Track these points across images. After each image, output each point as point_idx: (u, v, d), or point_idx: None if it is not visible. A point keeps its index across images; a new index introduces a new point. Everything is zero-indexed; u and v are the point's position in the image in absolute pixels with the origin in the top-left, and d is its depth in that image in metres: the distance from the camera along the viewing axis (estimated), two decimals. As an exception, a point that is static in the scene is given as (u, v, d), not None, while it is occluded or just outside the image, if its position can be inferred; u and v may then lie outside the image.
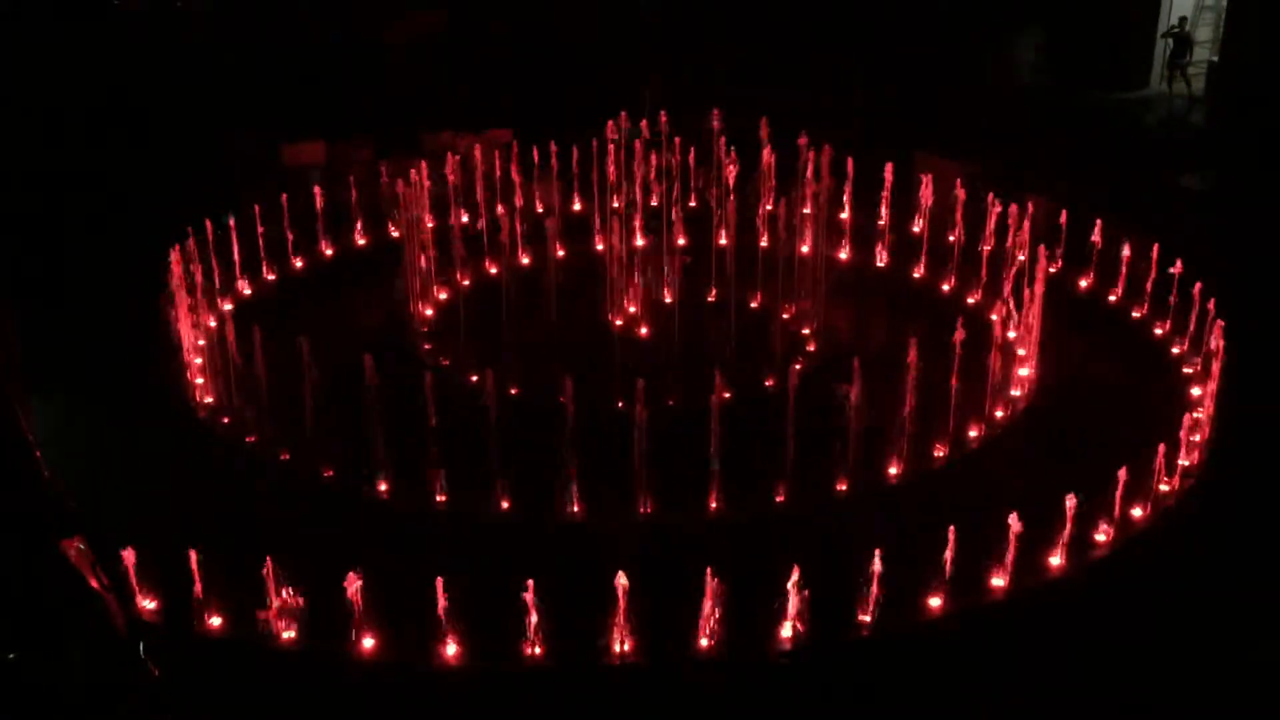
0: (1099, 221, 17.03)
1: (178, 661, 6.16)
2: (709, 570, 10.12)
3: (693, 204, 18.80)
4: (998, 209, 17.17)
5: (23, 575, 5.23)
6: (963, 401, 13.48)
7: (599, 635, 10.24)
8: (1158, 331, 16.17)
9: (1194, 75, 28.15)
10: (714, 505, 12.28)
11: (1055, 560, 11.35)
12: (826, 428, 12.45)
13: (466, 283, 17.46)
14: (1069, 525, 11.23)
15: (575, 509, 12.20)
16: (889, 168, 18.17)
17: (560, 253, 17.19)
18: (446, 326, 16.57)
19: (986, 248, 17.21)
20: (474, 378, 14.27)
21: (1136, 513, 12.03)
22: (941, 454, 13.38)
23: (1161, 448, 12.24)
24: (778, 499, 12.44)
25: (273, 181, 19.87)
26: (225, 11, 25.01)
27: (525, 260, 18.19)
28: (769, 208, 17.17)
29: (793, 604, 10.31)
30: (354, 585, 10.06)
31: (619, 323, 16.29)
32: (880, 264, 18.30)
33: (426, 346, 16.25)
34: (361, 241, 19.22)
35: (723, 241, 16.91)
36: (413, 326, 16.66)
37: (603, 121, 16.83)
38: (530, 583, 10.01)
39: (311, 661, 10.50)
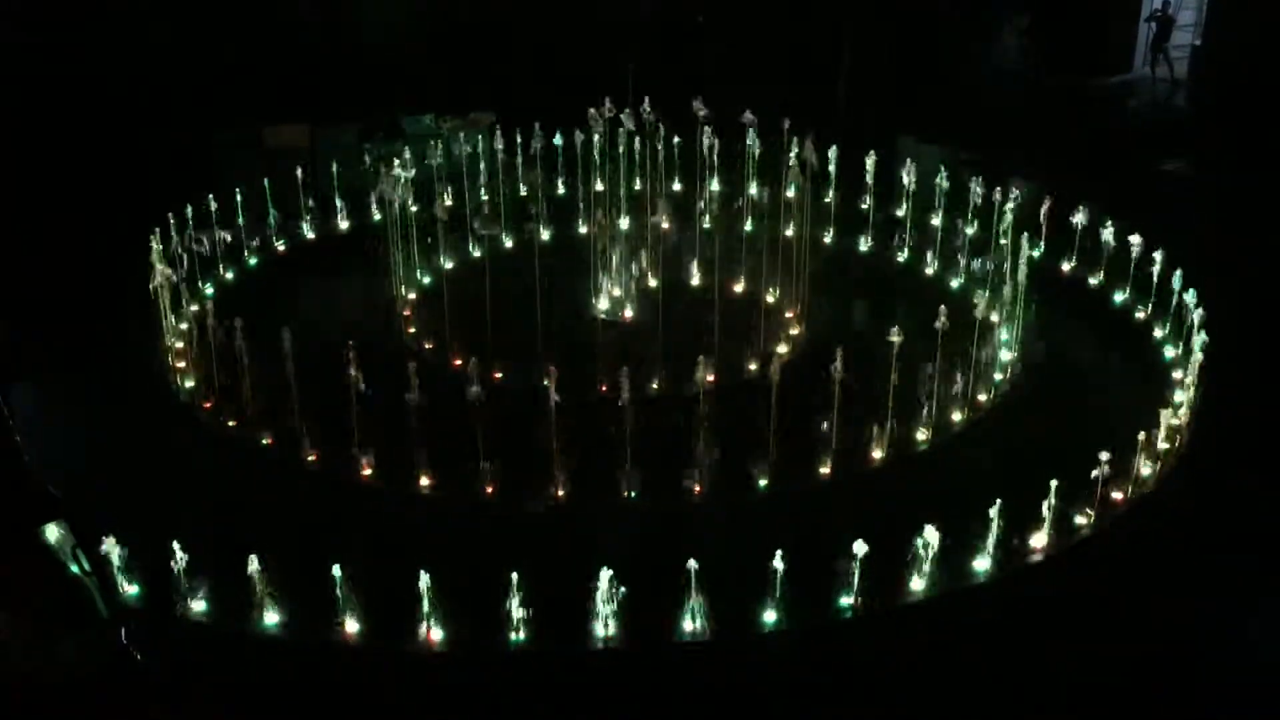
0: (1081, 205, 17.11)
1: (160, 647, 6.15)
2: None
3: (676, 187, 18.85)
4: (981, 194, 17.22)
5: (1, 561, 5.21)
6: (945, 386, 13.54)
7: (584, 620, 10.29)
8: (1139, 315, 16.25)
9: (1176, 59, 28.20)
10: (697, 490, 12.31)
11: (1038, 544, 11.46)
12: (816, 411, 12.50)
13: (449, 266, 17.43)
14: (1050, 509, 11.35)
15: (558, 494, 12.21)
16: (871, 154, 18.21)
17: (545, 236, 17.18)
18: (430, 311, 16.50)
19: (969, 232, 17.30)
20: (457, 362, 14.29)
21: (1117, 495, 12.13)
22: (923, 438, 13.45)
23: (1142, 432, 12.32)
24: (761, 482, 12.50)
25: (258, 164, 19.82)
26: None
27: (509, 244, 18.21)
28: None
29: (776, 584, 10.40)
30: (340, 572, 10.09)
31: (603, 308, 16.28)
32: (864, 248, 18.40)
33: (410, 331, 16.22)
34: (344, 225, 19.17)
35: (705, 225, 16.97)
36: (395, 311, 16.61)
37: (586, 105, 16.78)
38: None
39: (296, 647, 10.52)
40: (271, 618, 10.46)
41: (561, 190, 19.90)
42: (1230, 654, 10.85)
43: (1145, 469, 12.43)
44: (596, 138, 17.06)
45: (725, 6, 25.31)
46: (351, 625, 10.34)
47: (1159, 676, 10.49)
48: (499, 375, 14.15)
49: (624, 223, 16.77)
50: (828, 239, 18.35)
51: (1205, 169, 21.99)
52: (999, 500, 10.97)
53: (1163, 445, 12.72)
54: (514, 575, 10.08)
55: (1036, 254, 16.47)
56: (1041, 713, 10.21)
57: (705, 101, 16.49)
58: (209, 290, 16.60)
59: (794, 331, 15.93)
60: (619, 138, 16.57)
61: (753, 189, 17.60)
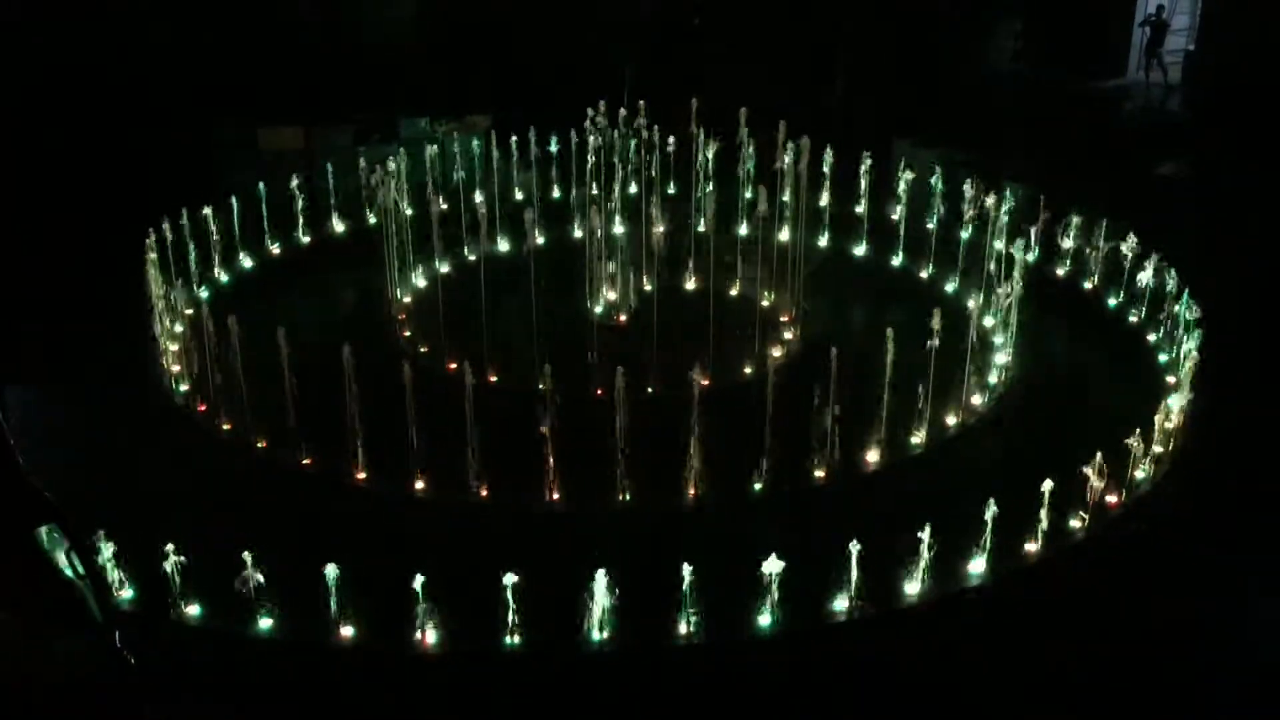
0: (1075, 209, 17.08)
1: (154, 650, 6.11)
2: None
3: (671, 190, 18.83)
4: (976, 197, 17.21)
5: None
6: (940, 389, 13.51)
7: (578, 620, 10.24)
8: (1133, 319, 16.22)
9: (1170, 64, 28.23)
10: (692, 492, 12.26)
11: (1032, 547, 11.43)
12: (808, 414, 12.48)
13: (445, 269, 17.39)
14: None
15: (554, 497, 12.16)
16: (867, 156, 18.20)
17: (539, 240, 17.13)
18: (425, 314, 16.45)
19: (964, 235, 17.29)
20: (452, 365, 14.25)
21: (1111, 499, 12.09)
22: (918, 441, 13.41)
23: (1136, 434, 12.29)
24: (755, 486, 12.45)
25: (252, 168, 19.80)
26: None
27: (504, 247, 18.19)
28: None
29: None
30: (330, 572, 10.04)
31: (598, 310, 16.25)
32: (859, 252, 18.37)
33: (405, 334, 16.17)
34: (340, 228, 19.13)
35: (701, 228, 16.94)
36: (390, 314, 16.57)
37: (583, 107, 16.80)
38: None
39: (289, 650, 10.46)
40: (266, 622, 10.43)
41: (557, 193, 19.90)
42: (1230, 654, 10.83)
43: (1140, 472, 12.42)
44: (592, 140, 17.07)
45: (725, 7, 25.34)
46: (347, 629, 10.30)
47: (1159, 676, 10.47)
48: (494, 378, 14.14)
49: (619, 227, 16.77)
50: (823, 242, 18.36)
51: (1203, 171, 22.01)
52: (994, 504, 10.97)
53: (1158, 449, 12.73)
54: (511, 576, 10.05)
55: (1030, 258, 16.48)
56: (1041, 713, 10.19)
57: (703, 100, 16.52)
58: (204, 293, 16.56)
59: (788, 336, 15.93)
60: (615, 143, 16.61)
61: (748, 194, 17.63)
